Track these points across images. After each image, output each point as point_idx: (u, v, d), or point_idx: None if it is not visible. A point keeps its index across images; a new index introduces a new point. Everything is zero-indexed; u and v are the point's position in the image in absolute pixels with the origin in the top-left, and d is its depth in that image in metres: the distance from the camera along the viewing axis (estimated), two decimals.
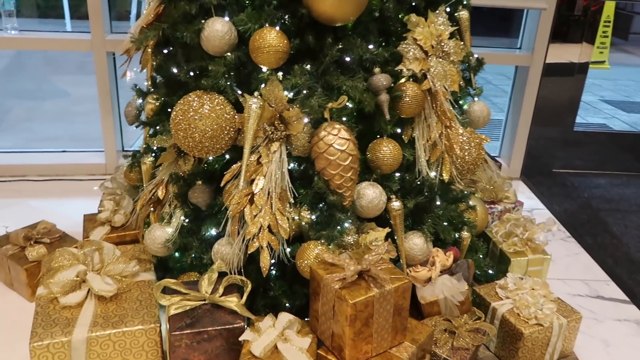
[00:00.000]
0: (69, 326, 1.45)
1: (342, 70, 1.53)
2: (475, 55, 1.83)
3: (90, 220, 2.00)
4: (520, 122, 2.89)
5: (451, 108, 1.62)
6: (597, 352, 1.72)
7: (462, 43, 1.69)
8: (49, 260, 1.65)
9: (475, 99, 1.85)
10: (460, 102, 1.81)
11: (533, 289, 1.64)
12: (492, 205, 2.18)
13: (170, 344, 1.40)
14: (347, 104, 1.52)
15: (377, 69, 1.53)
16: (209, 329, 1.40)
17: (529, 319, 1.56)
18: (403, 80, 1.57)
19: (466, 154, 1.67)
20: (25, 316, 1.71)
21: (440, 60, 1.60)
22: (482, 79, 1.89)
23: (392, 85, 1.55)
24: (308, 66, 1.50)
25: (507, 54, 2.90)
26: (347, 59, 1.53)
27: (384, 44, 1.59)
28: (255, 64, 1.47)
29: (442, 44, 1.61)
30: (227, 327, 1.41)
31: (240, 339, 1.39)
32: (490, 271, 1.87)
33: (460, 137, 1.65)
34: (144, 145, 1.91)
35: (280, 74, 1.50)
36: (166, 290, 1.50)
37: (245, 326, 1.44)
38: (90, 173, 2.77)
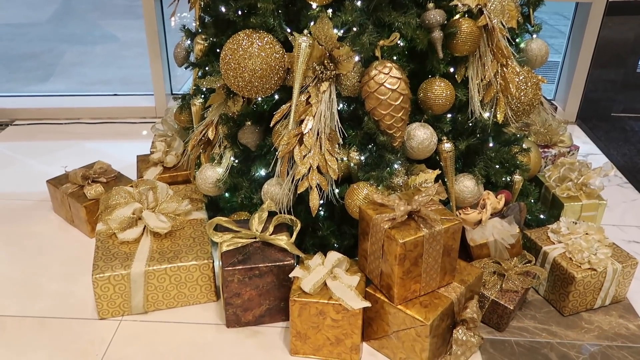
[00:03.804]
0: (127, 260, 1.52)
1: (394, 6, 1.48)
2: None
3: (143, 161, 2.06)
4: (579, 64, 2.75)
5: (508, 46, 1.54)
6: None
7: None
8: (106, 199, 1.71)
9: (534, 36, 1.76)
10: (517, 39, 1.73)
11: (587, 234, 1.60)
12: (546, 149, 2.12)
13: (223, 279, 1.45)
14: (399, 41, 1.47)
15: (430, 4, 1.46)
16: (260, 265, 1.44)
17: (581, 263, 1.53)
18: (458, 16, 1.50)
19: (522, 94, 1.61)
20: (86, 250, 1.80)
21: None
22: (537, 18, 1.79)
23: (446, 21, 1.48)
24: (359, 2, 1.45)
25: None
26: None
27: None
28: (305, 0, 1.43)
29: None
30: (277, 264, 1.45)
31: (291, 275, 1.43)
32: (541, 216, 1.83)
33: (517, 76, 1.59)
34: (194, 87, 1.92)
35: (330, 10, 1.46)
36: (218, 228, 1.54)
37: (295, 264, 1.47)
38: (141, 116, 2.83)
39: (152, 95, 2.82)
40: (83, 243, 1.86)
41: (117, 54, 4.39)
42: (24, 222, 1.98)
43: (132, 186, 1.76)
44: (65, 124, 2.76)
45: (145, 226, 1.62)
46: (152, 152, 2.04)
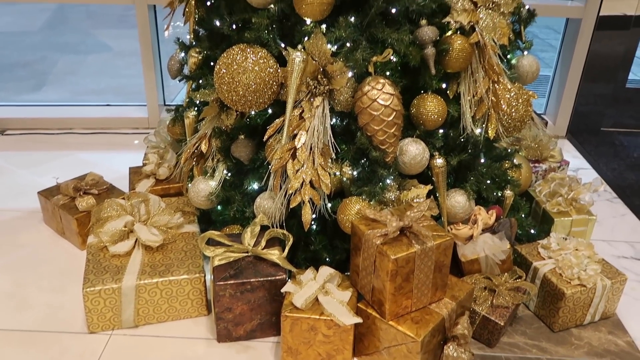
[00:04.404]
0: (118, 274, 1.52)
1: (387, 23, 1.49)
2: (527, 7, 1.75)
3: (135, 173, 2.05)
4: (569, 78, 2.78)
5: (499, 62, 1.56)
6: None
7: None
8: (98, 211, 1.71)
9: (525, 52, 1.78)
10: (509, 56, 1.75)
11: (577, 250, 1.61)
12: (537, 164, 2.13)
13: (214, 294, 1.44)
14: (392, 57, 1.48)
15: (423, 21, 1.48)
16: (252, 280, 1.43)
17: (571, 279, 1.54)
18: (450, 33, 1.52)
19: (513, 110, 1.62)
20: (76, 263, 1.79)
21: (490, 11, 1.54)
22: (528, 32, 1.81)
23: (439, 38, 1.50)
24: (353, 18, 1.46)
25: (558, 5, 2.76)
26: (393, 10, 1.48)
27: None
28: (299, 15, 1.44)
29: None
30: (269, 278, 1.44)
31: (282, 290, 1.42)
32: (532, 231, 1.84)
33: (508, 93, 1.60)
34: (187, 99, 1.92)
35: (324, 26, 1.47)
36: (210, 242, 1.54)
37: (287, 278, 1.47)
38: (133, 127, 2.82)
39: (145, 105, 2.82)
40: (74, 255, 1.85)
41: (110, 63, 4.38)
42: (14, 233, 1.96)
43: (124, 198, 1.75)
44: (57, 134, 2.75)
45: (136, 239, 1.62)
46: (144, 164, 2.03)
